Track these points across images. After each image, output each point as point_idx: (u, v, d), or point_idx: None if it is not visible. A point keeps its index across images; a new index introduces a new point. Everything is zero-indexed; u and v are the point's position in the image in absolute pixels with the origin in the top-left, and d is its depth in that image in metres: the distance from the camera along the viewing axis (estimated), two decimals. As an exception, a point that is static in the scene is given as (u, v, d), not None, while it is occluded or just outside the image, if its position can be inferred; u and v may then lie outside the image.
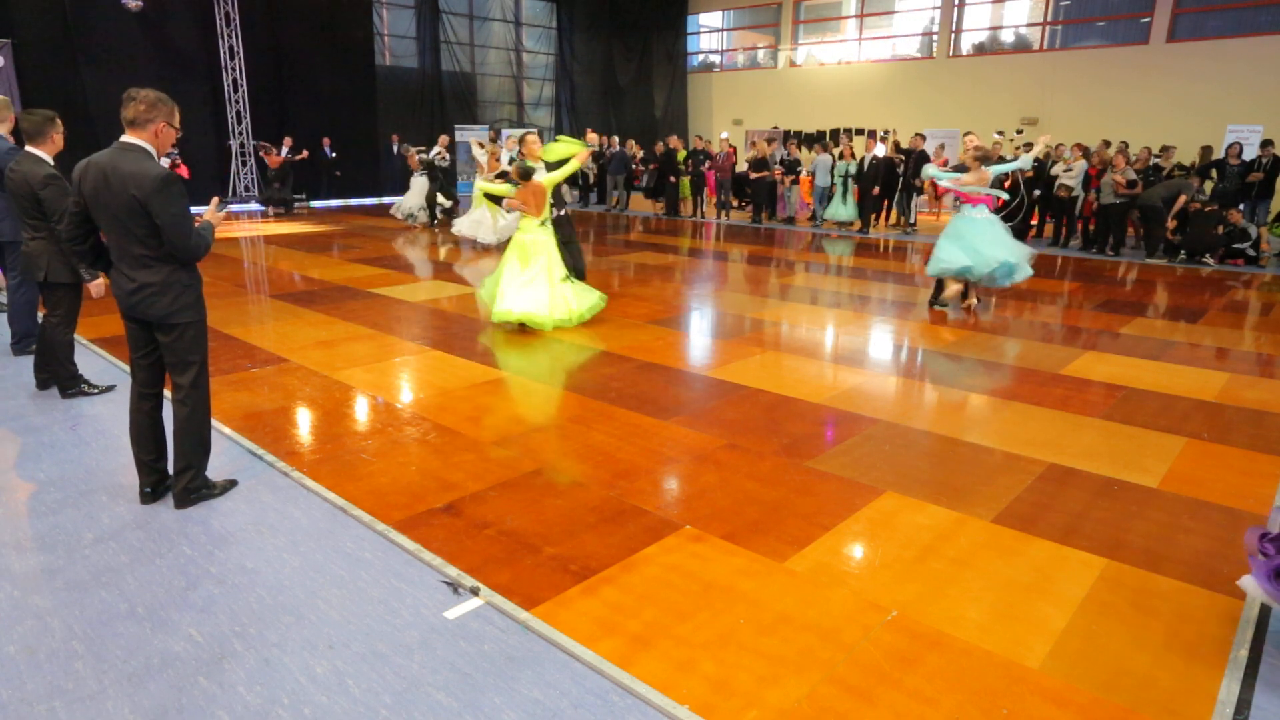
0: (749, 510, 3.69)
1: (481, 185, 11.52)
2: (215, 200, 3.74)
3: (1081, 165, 12.58)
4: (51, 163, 4.80)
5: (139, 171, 3.21)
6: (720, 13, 24.87)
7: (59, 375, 5.16)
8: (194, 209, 3.42)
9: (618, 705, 2.41)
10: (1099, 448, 4.51)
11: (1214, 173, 12.44)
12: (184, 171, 14.19)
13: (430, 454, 4.30)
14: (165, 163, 3.38)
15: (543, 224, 6.92)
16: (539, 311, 6.77)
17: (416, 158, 14.74)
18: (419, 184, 14.84)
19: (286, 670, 2.55)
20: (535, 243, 6.85)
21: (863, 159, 14.99)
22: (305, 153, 16.88)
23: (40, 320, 5.31)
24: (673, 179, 17.21)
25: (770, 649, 2.68)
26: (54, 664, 2.56)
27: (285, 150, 16.51)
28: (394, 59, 20.99)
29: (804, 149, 17.18)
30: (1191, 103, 15.88)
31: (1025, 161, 7.86)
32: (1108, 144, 12.90)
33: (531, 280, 6.80)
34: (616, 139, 18.02)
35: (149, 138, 3.33)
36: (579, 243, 8.07)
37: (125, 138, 3.31)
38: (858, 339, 7.08)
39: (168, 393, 3.64)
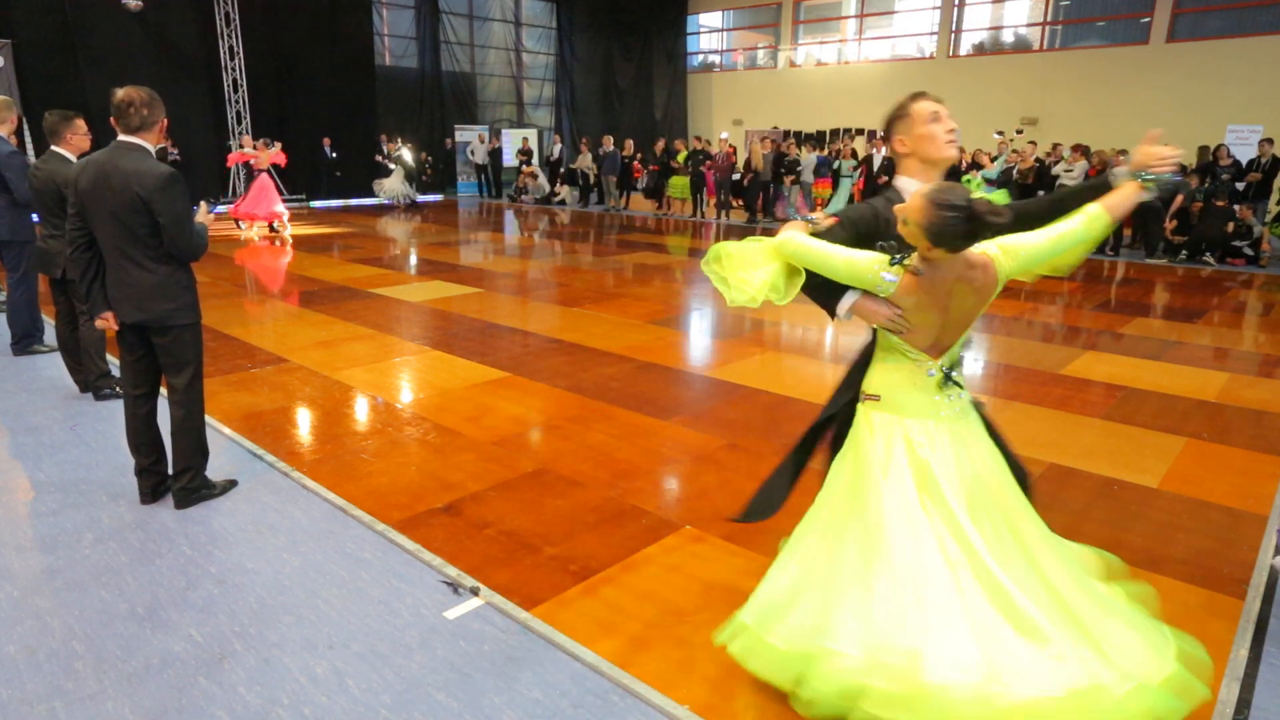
0: (749, 510, 3.68)
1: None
2: (204, 204, 3.73)
3: (1082, 165, 12.58)
4: (76, 161, 4.82)
5: (143, 170, 3.23)
6: (720, 13, 24.86)
7: (89, 375, 5.02)
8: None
9: (618, 705, 2.41)
10: (1099, 448, 4.51)
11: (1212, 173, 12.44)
12: None
13: (430, 454, 4.30)
14: None
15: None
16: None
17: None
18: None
19: (286, 670, 2.54)
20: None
21: (869, 157, 15.02)
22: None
23: (58, 322, 5.24)
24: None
25: (770, 649, 2.67)
26: (54, 664, 2.56)
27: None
28: (394, 59, 20.99)
29: (802, 149, 17.18)
30: (1191, 103, 15.87)
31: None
32: (1123, 153, 12.61)
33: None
34: (612, 140, 18.03)
35: (154, 138, 3.35)
36: None
37: (124, 137, 3.31)
38: (857, 339, 7.07)
39: (162, 392, 3.63)
